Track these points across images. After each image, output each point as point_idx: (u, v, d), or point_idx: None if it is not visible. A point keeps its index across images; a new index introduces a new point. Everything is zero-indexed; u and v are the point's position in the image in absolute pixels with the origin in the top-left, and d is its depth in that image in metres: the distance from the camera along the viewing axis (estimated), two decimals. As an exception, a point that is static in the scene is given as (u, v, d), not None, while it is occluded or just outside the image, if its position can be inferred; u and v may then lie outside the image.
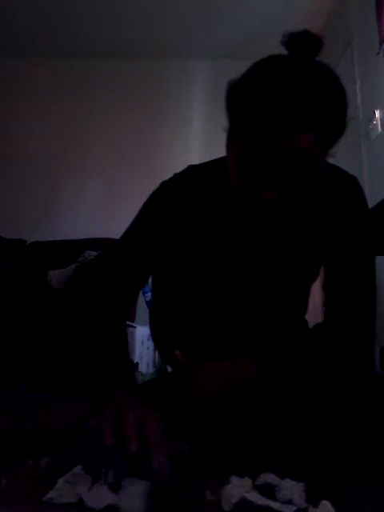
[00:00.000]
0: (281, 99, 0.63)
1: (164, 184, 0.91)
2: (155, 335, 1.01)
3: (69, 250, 2.94)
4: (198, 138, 3.42)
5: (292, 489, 0.61)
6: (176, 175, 0.92)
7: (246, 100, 0.67)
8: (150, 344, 2.41)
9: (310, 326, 0.99)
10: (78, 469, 0.65)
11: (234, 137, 0.72)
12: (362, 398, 0.77)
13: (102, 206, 3.35)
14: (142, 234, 0.91)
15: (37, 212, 3.32)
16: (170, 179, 0.91)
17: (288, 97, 0.62)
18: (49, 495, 0.61)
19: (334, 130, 0.68)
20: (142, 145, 3.47)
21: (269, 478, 0.64)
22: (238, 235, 0.87)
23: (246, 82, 0.69)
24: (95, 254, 2.80)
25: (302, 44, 0.68)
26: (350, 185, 0.87)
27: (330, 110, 0.65)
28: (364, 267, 0.86)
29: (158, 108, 3.52)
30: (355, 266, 0.86)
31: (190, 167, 0.92)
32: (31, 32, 3.31)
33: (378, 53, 2.32)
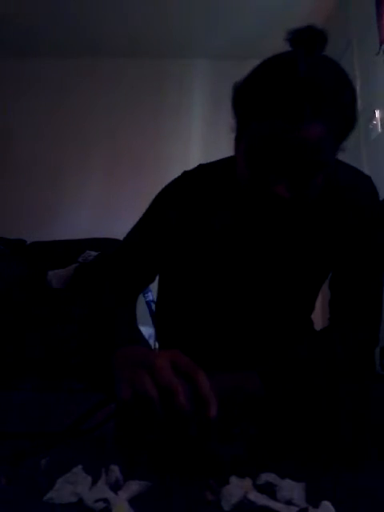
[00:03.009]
0: (290, 89, 0.62)
1: (174, 181, 0.90)
2: (160, 334, 1.01)
3: (69, 249, 2.94)
4: (198, 137, 3.42)
5: (292, 489, 0.61)
6: (186, 173, 0.90)
7: (254, 93, 0.67)
8: (152, 343, 2.41)
9: (315, 324, 0.99)
10: (77, 469, 0.65)
11: (243, 134, 0.71)
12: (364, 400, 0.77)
13: (103, 205, 3.36)
14: (149, 231, 0.89)
15: (37, 212, 3.33)
16: (180, 176, 0.90)
17: (297, 86, 0.62)
18: (49, 495, 0.61)
19: (344, 123, 0.67)
20: (142, 145, 3.47)
21: (269, 477, 0.64)
22: (248, 235, 0.85)
23: (253, 76, 0.69)
24: (95, 253, 2.80)
25: (307, 39, 0.67)
26: (364, 185, 0.85)
27: (339, 102, 0.65)
28: (374, 269, 0.85)
29: (159, 108, 3.52)
30: (365, 267, 0.84)
31: (201, 166, 0.90)
32: (32, 32, 3.31)
33: (378, 53, 2.32)
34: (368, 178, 0.86)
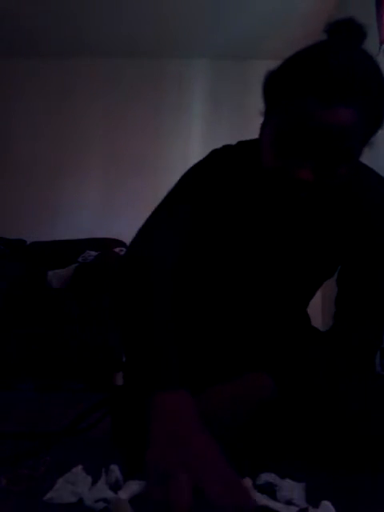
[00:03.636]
0: (323, 71, 0.62)
1: (209, 156, 0.86)
2: None
3: (69, 249, 2.94)
4: (198, 137, 3.42)
5: (292, 489, 0.61)
6: (224, 148, 0.86)
7: (288, 74, 0.66)
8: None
9: (312, 321, 0.99)
10: (78, 469, 0.65)
11: (271, 116, 0.70)
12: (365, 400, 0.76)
13: (102, 205, 3.35)
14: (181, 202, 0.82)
15: (37, 212, 3.33)
16: (216, 152, 0.86)
17: (330, 70, 0.62)
18: (49, 495, 0.61)
19: (374, 116, 0.66)
20: (142, 144, 3.47)
21: (269, 477, 0.64)
22: (263, 225, 0.83)
23: (288, 61, 0.69)
24: (95, 253, 2.80)
25: (344, 31, 0.68)
26: (380, 184, 0.85)
27: (371, 94, 0.64)
28: (382, 267, 0.84)
29: (158, 108, 3.52)
30: (375, 266, 0.83)
31: (240, 143, 0.87)
32: (31, 32, 3.30)
33: (378, 53, 2.32)
34: (383, 178, 0.86)
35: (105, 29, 3.28)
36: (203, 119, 3.44)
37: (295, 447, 0.75)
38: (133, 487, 0.63)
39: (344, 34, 0.69)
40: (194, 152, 3.61)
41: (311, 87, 0.62)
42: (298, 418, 0.76)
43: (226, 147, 0.86)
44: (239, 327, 0.88)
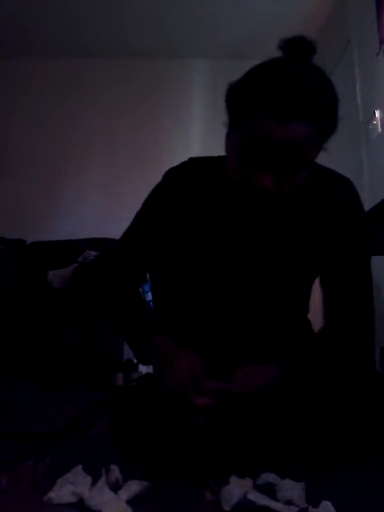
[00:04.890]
0: (277, 88, 0.68)
1: (166, 176, 0.93)
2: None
3: (69, 249, 2.94)
4: (197, 137, 3.42)
5: (292, 489, 0.61)
6: (177, 167, 0.92)
7: (246, 89, 0.72)
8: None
9: (312, 324, 0.99)
10: (78, 469, 0.65)
11: (232, 128, 0.76)
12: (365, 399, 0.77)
13: (102, 205, 3.35)
14: (142, 229, 0.94)
15: (37, 212, 3.32)
16: (172, 171, 0.92)
17: (283, 87, 0.67)
18: (49, 495, 0.61)
19: (327, 125, 0.72)
20: (141, 145, 3.47)
21: (269, 477, 0.64)
22: (235, 233, 0.87)
23: (245, 76, 0.74)
24: (95, 253, 2.80)
25: (297, 47, 0.74)
26: (344, 186, 0.88)
27: (322, 103, 0.70)
28: (360, 266, 0.88)
29: (158, 108, 3.52)
30: (351, 265, 0.87)
31: (192, 160, 0.93)
32: (31, 32, 3.30)
33: (378, 53, 2.32)
34: (348, 180, 0.90)
35: (105, 29, 3.28)
36: (203, 119, 3.44)
37: (295, 447, 0.75)
38: (133, 487, 0.63)
39: (296, 49, 0.74)
40: (194, 152, 3.62)
41: (265, 105, 0.68)
42: (295, 413, 0.78)
43: (182, 164, 0.92)
44: (232, 332, 0.89)
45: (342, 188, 0.88)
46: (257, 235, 0.87)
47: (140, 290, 1.05)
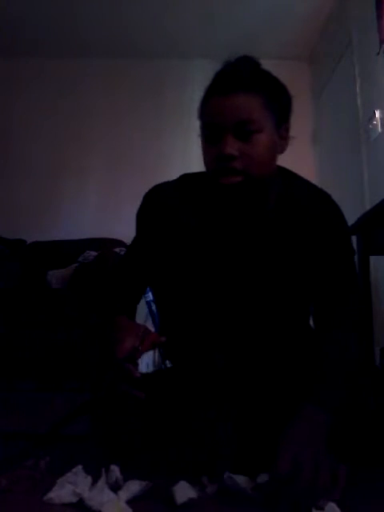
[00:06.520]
0: (222, 74, 0.86)
1: (154, 188, 0.97)
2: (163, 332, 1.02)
3: (69, 249, 2.94)
4: (198, 138, 3.42)
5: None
6: (167, 183, 0.97)
7: (204, 93, 0.88)
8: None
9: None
10: (78, 469, 0.65)
11: (201, 125, 0.89)
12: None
13: (102, 206, 3.35)
14: (139, 240, 0.99)
15: (37, 212, 3.32)
16: (160, 185, 0.97)
17: (227, 71, 0.85)
18: (49, 495, 0.61)
19: (272, 94, 0.84)
20: (142, 145, 3.46)
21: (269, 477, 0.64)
22: (228, 245, 0.90)
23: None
24: (95, 253, 2.80)
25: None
26: (325, 199, 0.94)
27: (264, 78, 0.85)
28: (345, 273, 0.90)
29: (158, 108, 3.52)
30: (334, 272, 0.89)
31: (184, 176, 0.99)
32: (31, 32, 3.30)
33: (378, 53, 2.32)
34: (328, 194, 0.94)
35: (105, 29, 3.28)
36: (203, 119, 3.44)
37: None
38: (133, 487, 0.63)
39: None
40: (195, 152, 3.62)
41: (214, 88, 0.85)
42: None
43: (165, 183, 0.99)
44: (237, 341, 0.90)
45: (324, 202, 0.93)
46: (248, 246, 0.90)
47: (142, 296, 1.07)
